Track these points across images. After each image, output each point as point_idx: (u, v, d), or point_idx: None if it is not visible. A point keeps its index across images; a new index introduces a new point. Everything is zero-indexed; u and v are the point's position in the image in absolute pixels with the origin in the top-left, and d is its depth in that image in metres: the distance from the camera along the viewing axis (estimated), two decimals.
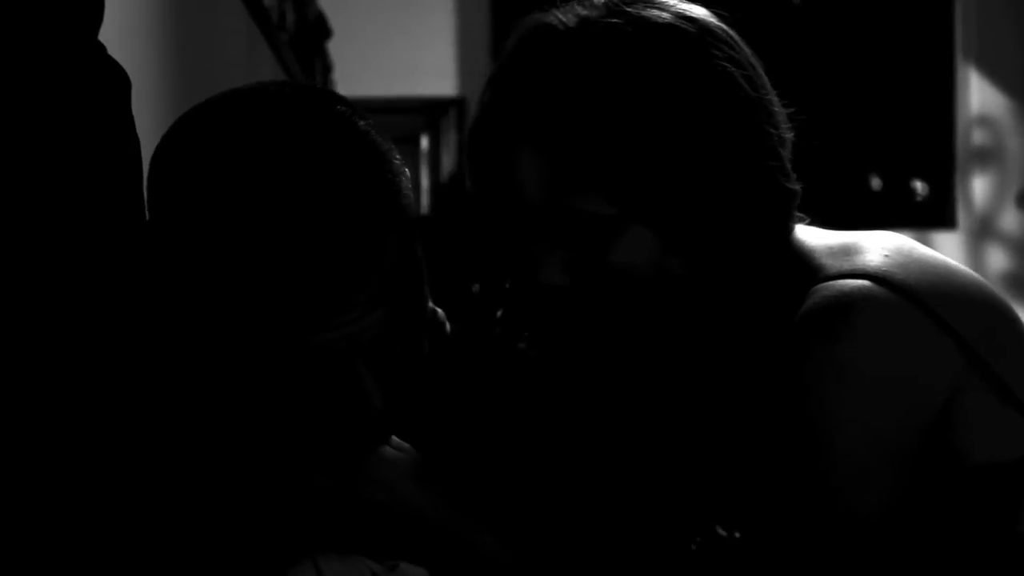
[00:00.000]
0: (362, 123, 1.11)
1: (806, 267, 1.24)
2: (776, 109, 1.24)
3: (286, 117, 1.09)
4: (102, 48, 1.09)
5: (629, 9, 1.21)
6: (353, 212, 1.06)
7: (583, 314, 1.23)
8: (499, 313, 1.33)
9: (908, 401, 1.17)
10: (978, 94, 4.71)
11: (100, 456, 1.05)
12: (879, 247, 1.23)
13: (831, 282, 1.20)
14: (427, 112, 4.51)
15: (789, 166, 1.26)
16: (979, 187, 4.71)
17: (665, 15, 1.21)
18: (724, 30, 1.23)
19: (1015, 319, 1.24)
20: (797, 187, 1.26)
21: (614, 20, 1.20)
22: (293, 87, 1.14)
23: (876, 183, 4.74)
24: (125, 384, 1.08)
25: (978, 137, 4.73)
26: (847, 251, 1.24)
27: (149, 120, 1.60)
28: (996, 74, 4.71)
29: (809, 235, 1.28)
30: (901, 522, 1.19)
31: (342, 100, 1.13)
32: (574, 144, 1.18)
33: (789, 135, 1.26)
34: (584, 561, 1.22)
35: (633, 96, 1.17)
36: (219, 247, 1.06)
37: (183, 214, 1.08)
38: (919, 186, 4.77)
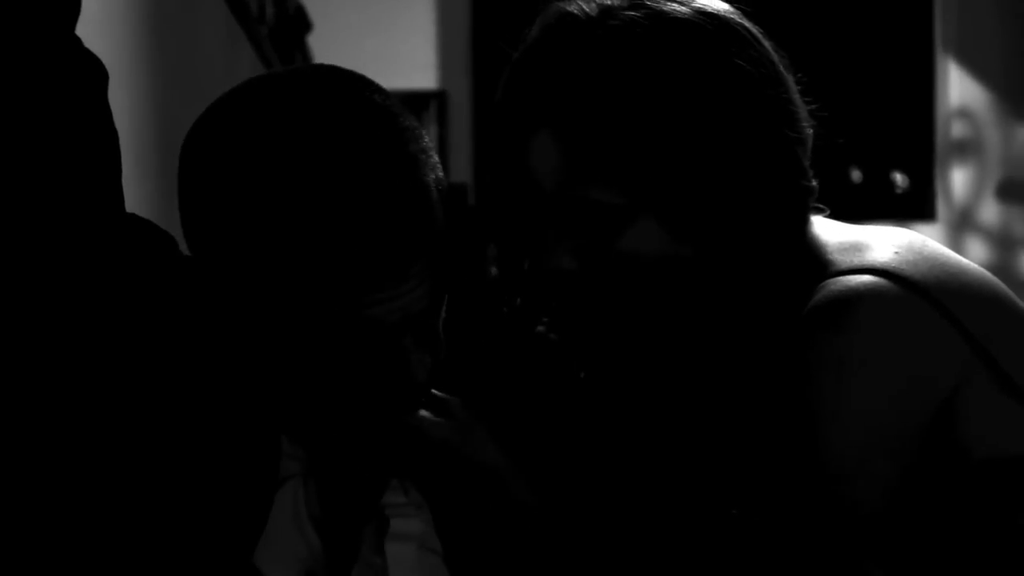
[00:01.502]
0: (393, 103, 1.14)
1: (817, 262, 1.24)
2: (795, 108, 1.25)
3: (329, 96, 1.10)
4: (78, 41, 1.08)
5: (650, 1, 1.22)
6: (406, 185, 1.09)
7: (592, 300, 1.25)
8: (518, 297, 1.35)
9: (910, 394, 1.18)
10: (957, 87, 4.73)
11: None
12: (889, 243, 1.24)
13: (839, 277, 1.20)
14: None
15: (807, 163, 1.27)
16: (959, 179, 4.73)
17: (685, 9, 1.22)
18: (744, 27, 1.24)
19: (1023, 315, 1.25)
20: (813, 184, 1.27)
21: (634, 12, 1.21)
22: (327, 68, 1.15)
23: (856, 175, 4.75)
24: (111, 380, 1.08)
25: (957, 129, 4.74)
26: (858, 247, 1.24)
27: (127, 113, 1.60)
28: (975, 67, 4.72)
29: (824, 229, 1.29)
30: (905, 513, 1.19)
31: (368, 80, 1.15)
32: (588, 132, 1.19)
33: (808, 133, 1.27)
34: (604, 524, 1.25)
35: (647, 89, 1.18)
36: (273, 222, 1.06)
37: (234, 190, 1.08)
38: (899, 178, 4.78)
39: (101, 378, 1.08)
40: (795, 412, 1.19)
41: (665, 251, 1.21)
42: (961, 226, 4.71)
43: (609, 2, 1.23)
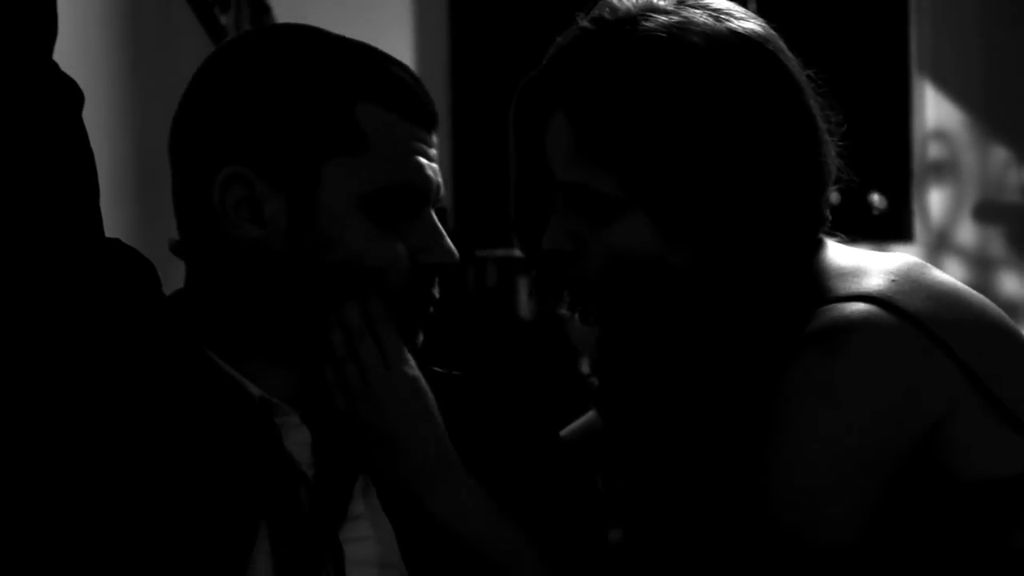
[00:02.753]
0: None
1: (816, 287, 1.25)
2: (807, 131, 1.27)
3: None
4: (55, 66, 1.08)
5: (684, 12, 1.25)
6: None
7: (581, 286, 1.28)
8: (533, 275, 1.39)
9: (893, 422, 1.18)
10: (934, 108, 4.75)
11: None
12: (887, 271, 1.25)
13: (835, 304, 1.21)
14: None
15: (818, 188, 1.29)
16: (936, 200, 4.75)
17: (711, 23, 1.25)
18: (768, 42, 1.26)
19: (1021, 342, 1.25)
20: (823, 211, 1.29)
21: (663, 18, 1.24)
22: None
23: (834, 196, 4.77)
24: (86, 408, 1.07)
25: (934, 151, 4.76)
26: (856, 273, 1.25)
27: (104, 137, 1.59)
28: (951, 88, 4.75)
29: (835, 253, 1.30)
30: (887, 539, 1.19)
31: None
32: (597, 119, 1.23)
33: (825, 161, 1.28)
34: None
35: (655, 90, 1.22)
36: None
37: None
38: (877, 199, 4.80)
39: (77, 407, 1.08)
40: (771, 428, 1.19)
41: (656, 253, 1.23)
42: (938, 247, 4.72)
43: (639, 6, 1.26)
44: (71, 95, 1.09)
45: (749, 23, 1.26)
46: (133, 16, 1.94)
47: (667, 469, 1.31)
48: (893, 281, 1.23)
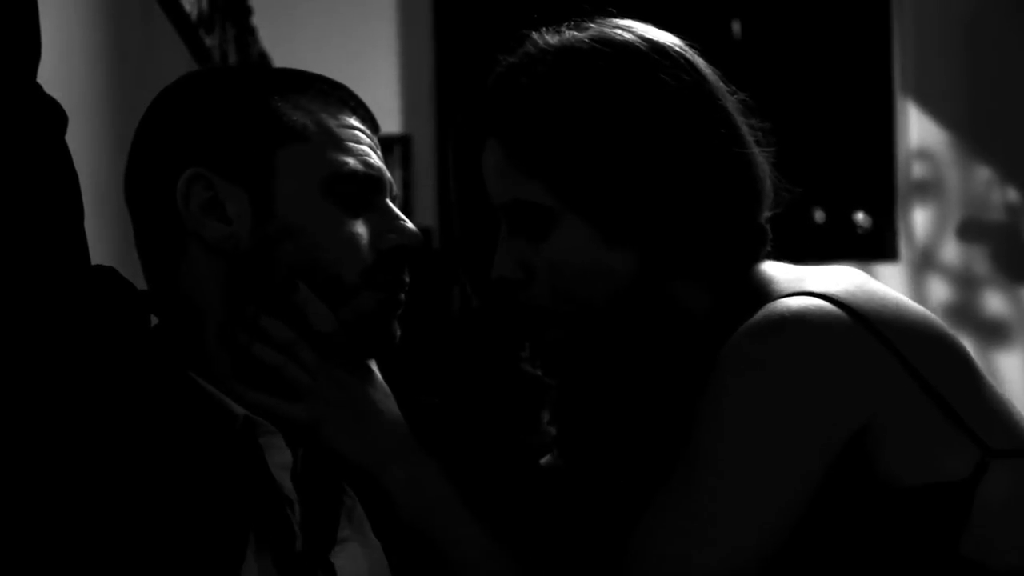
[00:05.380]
0: None
1: (762, 293, 1.26)
2: (728, 135, 1.28)
3: None
4: (39, 88, 1.08)
5: (599, 29, 1.30)
6: None
7: (533, 312, 1.28)
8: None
9: (826, 409, 1.18)
10: (917, 128, 4.77)
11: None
12: (833, 277, 1.26)
13: (777, 300, 1.22)
14: None
15: (749, 195, 1.30)
16: (920, 219, 4.76)
17: (626, 35, 1.29)
18: (683, 54, 1.29)
19: (964, 354, 1.25)
20: (756, 220, 1.30)
21: (580, 35, 1.29)
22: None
23: (819, 216, 4.78)
24: (67, 435, 1.07)
25: (918, 170, 4.78)
26: (801, 279, 1.27)
27: (89, 159, 1.59)
28: (934, 108, 4.77)
29: (770, 267, 1.31)
30: (822, 540, 1.19)
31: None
32: (523, 131, 1.26)
33: (743, 158, 1.29)
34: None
35: (575, 97, 1.25)
36: None
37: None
38: (861, 219, 4.81)
39: (62, 431, 1.07)
40: (701, 415, 1.20)
41: (595, 258, 1.24)
42: (923, 266, 4.74)
43: (564, 32, 1.30)
44: (55, 117, 1.09)
45: (669, 38, 1.30)
46: (117, 37, 1.95)
47: (629, 506, 1.31)
48: (837, 284, 1.24)
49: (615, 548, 1.25)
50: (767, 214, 1.33)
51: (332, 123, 1.26)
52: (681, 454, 1.20)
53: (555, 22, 1.33)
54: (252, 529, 1.13)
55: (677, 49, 1.29)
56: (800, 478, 1.17)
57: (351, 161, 1.24)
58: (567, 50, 1.28)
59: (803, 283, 1.25)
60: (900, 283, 4.63)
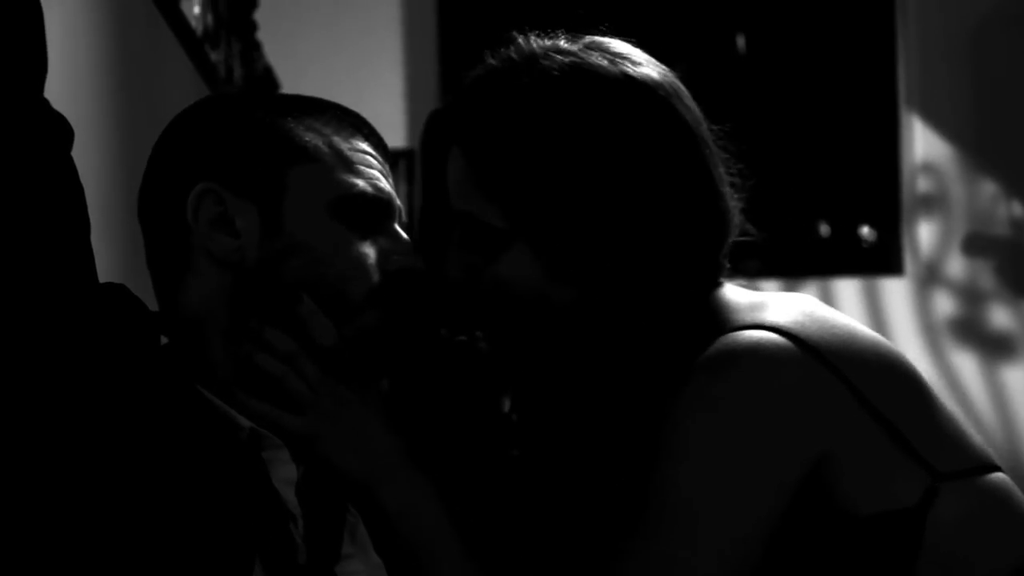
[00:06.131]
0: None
1: (714, 322, 1.27)
2: (701, 178, 1.27)
3: None
4: (46, 103, 1.08)
5: (582, 54, 1.28)
6: None
7: (472, 315, 1.31)
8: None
9: (781, 444, 1.19)
10: (922, 142, 4.77)
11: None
12: (785, 306, 1.27)
13: (732, 332, 1.23)
14: None
15: (715, 232, 1.29)
16: (925, 233, 4.76)
17: (606, 67, 1.27)
18: (660, 88, 1.27)
19: (916, 378, 1.27)
20: (714, 258, 1.29)
21: (560, 58, 1.28)
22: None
23: (824, 230, 4.78)
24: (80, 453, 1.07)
25: (923, 184, 4.78)
26: (754, 308, 1.27)
27: (95, 173, 1.59)
28: (939, 122, 4.77)
29: (727, 292, 1.31)
30: (787, 572, 1.19)
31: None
32: (486, 150, 1.26)
33: (709, 202, 1.28)
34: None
35: (540, 126, 1.25)
36: None
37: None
38: (866, 232, 4.81)
39: (70, 452, 1.07)
40: (660, 449, 1.20)
41: (537, 288, 1.25)
42: (928, 280, 4.73)
43: (546, 51, 1.29)
44: (62, 132, 1.10)
45: (646, 69, 1.28)
46: (123, 53, 1.95)
47: (585, 503, 1.32)
48: (791, 314, 1.25)
49: (575, 543, 1.26)
50: (729, 242, 1.32)
51: (344, 146, 1.27)
52: (644, 489, 1.20)
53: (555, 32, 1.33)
54: (259, 549, 1.13)
55: (650, 84, 1.27)
56: (760, 512, 1.18)
57: (361, 183, 1.26)
58: (542, 75, 1.27)
59: (756, 313, 1.25)
60: (905, 297, 4.63)
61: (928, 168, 4.78)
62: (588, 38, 1.31)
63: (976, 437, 1.26)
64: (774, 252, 4.65)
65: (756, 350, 1.20)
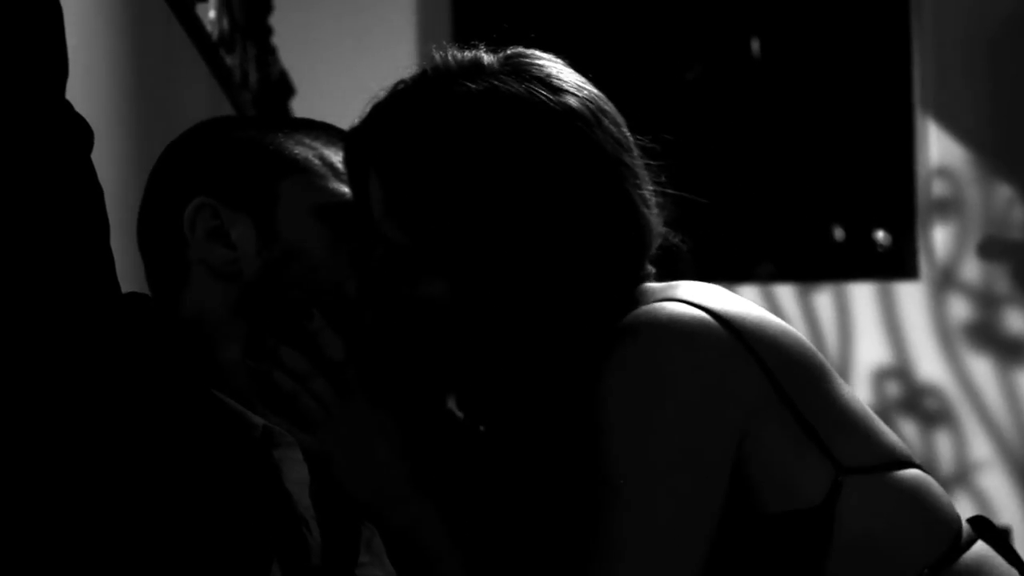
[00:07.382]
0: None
1: (630, 306, 1.28)
2: (615, 196, 1.28)
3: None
4: (69, 105, 1.09)
5: (502, 75, 1.29)
6: None
7: (387, 331, 1.32)
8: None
9: (705, 407, 1.20)
10: (937, 146, 4.76)
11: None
12: (699, 288, 1.28)
13: (646, 306, 1.25)
14: None
15: (628, 247, 1.29)
16: (940, 237, 4.75)
17: (520, 88, 1.28)
18: (577, 118, 1.27)
19: (830, 374, 1.27)
20: (634, 271, 1.30)
21: (474, 85, 1.29)
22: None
23: (839, 234, 4.77)
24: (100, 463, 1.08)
25: (938, 188, 4.77)
26: (668, 288, 1.29)
27: (112, 176, 1.60)
28: (954, 126, 4.76)
29: (648, 285, 1.33)
30: (713, 571, 1.20)
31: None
32: (395, 174, 1.28)
33: (626, 217, 1.29)
34: None
35: (444, 147, 1.27)
36: None
37: None
38: (881, 236, 4.80)
39: (84, 453, 1.08)
40: (587, 423, 1.21)
41: (454, 308, 1.26)
42: (943, 284, 4.72)
43: (461, 67, 1.30)
44: (83, 135, 1.10)
45: (562, 96, 1.28)
46: (139, 57, 1.96)
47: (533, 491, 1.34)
48: (703, 293, 1.27)
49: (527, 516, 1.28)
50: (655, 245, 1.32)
51: (335, 158, 1.32)
52: (585, 468, 1.22)
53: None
54: (275, 546, 1.13)
55: (561, 112, 1.27)
56: (707, 471, 1.19)
57: (348, 191, 1.31)
58: (453, 102, 1.27)
59: (670, 291, 1.27)
60: (920, 302, 4.62)
61: (943, 172, 4.77)
62: (513, 55, 1.31)
63: (890, 434, 1.27)
64: (788, 256, 4.64)
65: (672, 317, 1.22)
